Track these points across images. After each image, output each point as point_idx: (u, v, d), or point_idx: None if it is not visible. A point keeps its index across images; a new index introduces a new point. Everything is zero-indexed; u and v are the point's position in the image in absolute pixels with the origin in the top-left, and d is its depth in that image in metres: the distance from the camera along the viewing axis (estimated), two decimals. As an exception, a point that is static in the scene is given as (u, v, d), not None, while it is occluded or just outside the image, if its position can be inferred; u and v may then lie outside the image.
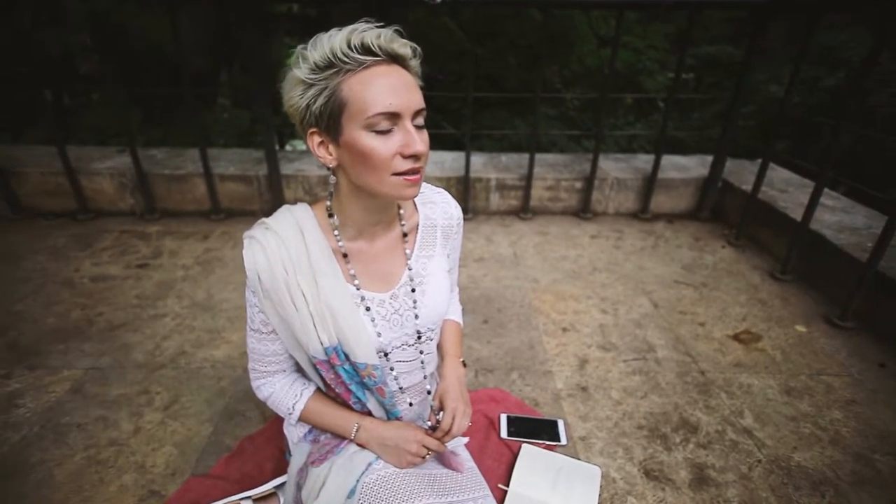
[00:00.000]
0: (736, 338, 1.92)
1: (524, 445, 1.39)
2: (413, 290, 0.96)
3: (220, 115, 5.62)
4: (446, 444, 1.03)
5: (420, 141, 0.77)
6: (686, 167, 3.17)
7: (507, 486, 1.27)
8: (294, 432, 1.11)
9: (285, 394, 1.01)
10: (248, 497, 1.15)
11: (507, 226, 2.88)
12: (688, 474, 1.34)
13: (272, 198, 2.85)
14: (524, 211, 2.98)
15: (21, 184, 2.75)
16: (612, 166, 3.15)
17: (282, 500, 1.16)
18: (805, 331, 1.97)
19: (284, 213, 0.91)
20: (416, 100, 0.77)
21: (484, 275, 2.33)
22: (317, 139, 0.80)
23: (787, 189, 2.84)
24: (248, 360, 1.00)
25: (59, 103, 5.29)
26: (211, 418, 1.47)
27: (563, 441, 1.42)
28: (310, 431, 1.09)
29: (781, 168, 3.20)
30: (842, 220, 2.43)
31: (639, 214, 3.03)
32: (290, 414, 1.02)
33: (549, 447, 1.40)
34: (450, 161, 3.14)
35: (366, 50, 0.73)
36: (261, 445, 1.36)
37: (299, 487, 1.03)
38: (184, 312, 1.97)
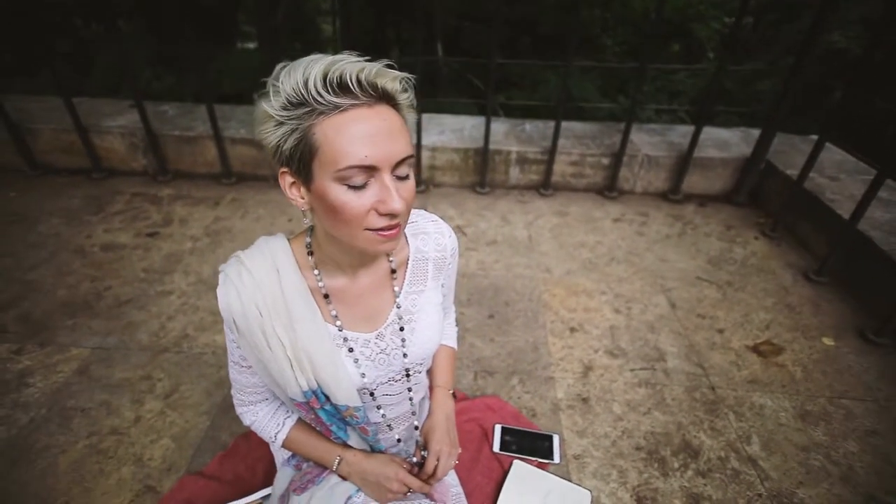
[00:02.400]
0: (755, 349, 1.81)
1: (516, 462, 1.36)
2: (401, 329, 0.90)
3: (240, 53, 5.39)
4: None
5: (398, 198, 0.67)
6: (727, 144, 2.90)
7: (494, 506, 1.26)
8: (280, 454, 1.11)
9: (267, 423, 0.99)
10: (235, 507, 1.17)
11: (526, 202, 2.74)
12: (682, 505, 1.30)
13: (283, 163, 2.76)
14: (545, 187, 2.81)
15: (35, 140, 2.74)
16: (644, 140, 2.92)
17: (267, 513, 1.17)
18: (833, 345, 1.84)
19: (261, 246, 0.84)
20: (400, 149, 0.67)
21: (495, 261, 2.24)
22: (288, 179, 0.71)
23: (838, 176, 2.58)
24: (231, 387, 0.97)
25: (76, 41, 5.17)
26: (209, 410, 1.49)
27: (557, 459, 1.39)
28: (293, 456, 1.08)
29: (835, 147, 2.89)
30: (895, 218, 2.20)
31: (668, 195, 2.83)
32: (272, 441, 1.01)
33: (541, 465, 1.37)
34: (469, 128, 2.96)
35: (344, 88, 0.63)
36: (255, 445, 1.38)
37: (280, 511, 1.04)
38: (189, 290, 1.98)
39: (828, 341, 1.86)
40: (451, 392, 1.10)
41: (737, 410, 1.57)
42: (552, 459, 1.38)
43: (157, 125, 2.77)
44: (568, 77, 2.47)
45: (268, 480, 1.27)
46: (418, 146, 2.65)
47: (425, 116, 2.95)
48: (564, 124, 2.86)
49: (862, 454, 1.45)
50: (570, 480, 1.33)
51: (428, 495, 1.04)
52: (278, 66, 0.66)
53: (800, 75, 2.37)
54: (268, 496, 1.20)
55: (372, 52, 0.69)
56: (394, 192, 0.66)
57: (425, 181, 2.82)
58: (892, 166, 1.87)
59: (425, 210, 0.96)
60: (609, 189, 2.81)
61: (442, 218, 0.94)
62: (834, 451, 1.45)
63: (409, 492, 0.96)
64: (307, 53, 0.65)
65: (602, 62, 6.29)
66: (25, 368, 1.61)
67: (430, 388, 1.10)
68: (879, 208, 2.26)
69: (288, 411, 1.01)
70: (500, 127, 3.01)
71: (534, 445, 1.42)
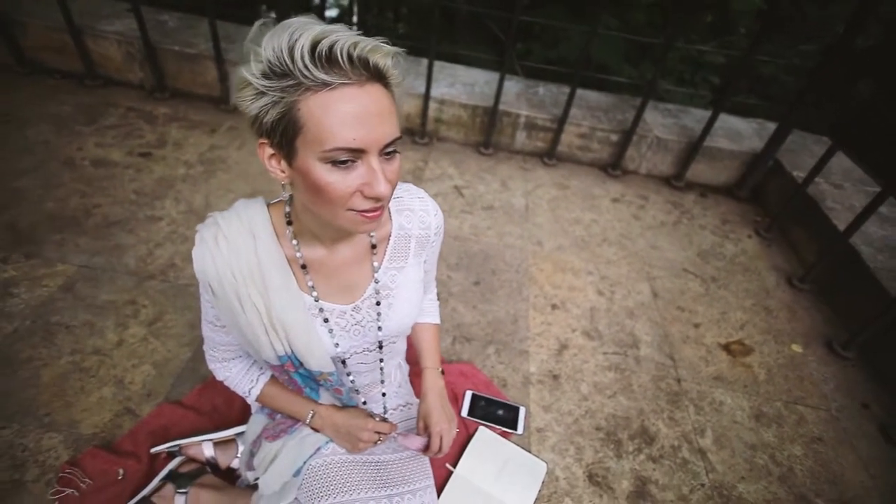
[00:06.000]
0: (726, 347, 1.87)
1: (480, 428, 1.43)
2: (378, 304, 0.91)
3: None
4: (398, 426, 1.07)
5: (384, 181, 0.65)
6: (740, 135, 2.84)
7: (455, 466, 1.33)
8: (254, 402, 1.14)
9: (241, 379, 1.01)
10: (210, 439, 1.23)
11: (528, 170, 2.70)
12: (629, 485, 1.39)
13: (285, 96, 2.66)
14: (549, 156, 2.76)
15: (24, 35, 2.59)
16: (657, 120, 2.84)
17: (240, 448, 1.23)
18: (800, 352, 1.91)
19: (239, 211, 0.82)
20: (388, 131, 0.64)
21: (488, 227, 2.23)
22: (268, 150, 0.68)
23: (842, 184, 2.57)
24: (204, 342, 0.98)
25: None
26: (191, 342, 1.53)
27: (520, 431, 1.46)
28: (267, 405, 1.12)
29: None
30: (889, 236, 2.22)
31: (672, 181, 2.80)
32: (246, 396, 1.04)
33: (504, 434, 1.44)
34: (481, 84, 2.85)
35: (333, 62, 0.59)
36: (233, 381, 1.42)
37: (252, 454, 1.09)
38: (179, 218, 1.96)
39: (796, 348, 1.93)
40: (440, 371, 1.11)
41: (697, 404, 1.65)
42: (516, 430, 1.46)
43: (157, 37, 2.62)
44: (591, 40, 2.35)
45: (243, 416, 1.32)
46: (426, 97, 2.55)
47: (437, 65, 2.82)
48: (579, 92, 2.77)
49: (804, 458, 1.54)
50: (529, 451, 1.41)
51: (401, 435, 1.08)
52: (257, 24, 0.61)
53: (827, 69, 2.28)
54: (241, 433, 1.26)
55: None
56: (380, 176, 0.65)
57: (429, 133, 2.75)
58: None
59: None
60: (613, 167, 2.77)
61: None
62: (779, 453, 1.55)
63: (379, 440, 1.01)
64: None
65: (631, 23, 5.98)
66: (10, 278, 1.61)
67: (420, 369, 1.13)
68: (876, 223, 2.26)
69: (262, 368, 1.03)
70: (513, 87, 2.90)
71: (500, 414, 1.48)
